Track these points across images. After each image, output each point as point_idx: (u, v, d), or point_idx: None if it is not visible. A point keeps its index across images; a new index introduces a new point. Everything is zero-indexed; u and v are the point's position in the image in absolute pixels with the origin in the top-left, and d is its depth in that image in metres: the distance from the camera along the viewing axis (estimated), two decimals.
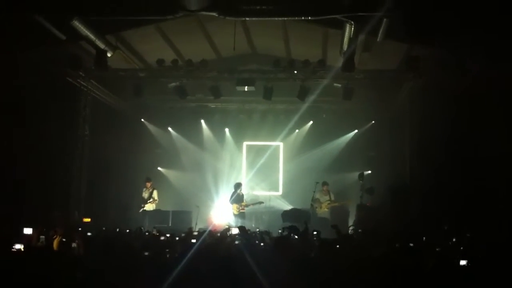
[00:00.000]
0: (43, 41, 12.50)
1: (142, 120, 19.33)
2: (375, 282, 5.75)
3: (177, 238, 10.86)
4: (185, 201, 18.04)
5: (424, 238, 10.15)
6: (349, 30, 11.73)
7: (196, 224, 15.80)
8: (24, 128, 13.28)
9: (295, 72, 15.01)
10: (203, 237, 9.97)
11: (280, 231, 12.17)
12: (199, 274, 5.75)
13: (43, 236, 8.95)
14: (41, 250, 5.62)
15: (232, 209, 16.33)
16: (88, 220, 14.68)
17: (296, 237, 9.51)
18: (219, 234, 10.25)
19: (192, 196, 18.20)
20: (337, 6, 11.02)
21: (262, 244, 9.42)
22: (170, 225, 16.01)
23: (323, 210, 16.19)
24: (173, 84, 15.74)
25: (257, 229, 12.96)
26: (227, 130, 19.77)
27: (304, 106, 17.80)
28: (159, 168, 19.43)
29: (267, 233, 11.08)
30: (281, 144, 19.82)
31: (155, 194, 16.92)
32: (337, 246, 7.98)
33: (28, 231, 9.18)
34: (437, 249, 8.39)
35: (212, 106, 18.73)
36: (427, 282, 5.85)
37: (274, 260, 6.23)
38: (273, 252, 6.82)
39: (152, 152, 19.53)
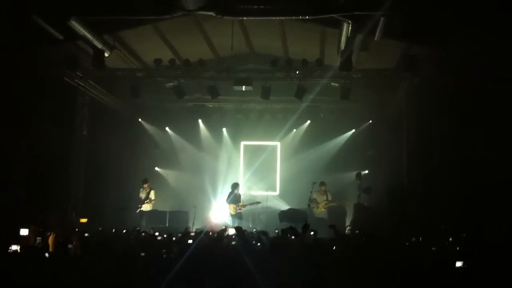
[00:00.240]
0: (41, 41, 12.49)
1: (140, 120, 19.31)
2: (372, 282, 5.75)
3: (174, 239, 10.86)
4: (182, 201, 18.01)
5: (420, 238, 10.16)
6: (346, 29, 11.73)
7: (193, 224, 15.79)
8: (22, 128, 13.28)
9: (293, 71, 15.00)
10: (199, 237, 9.97)
11: (276, 231, 12.17)
12: (196, 274, 5.74)
13: (40, 237, 8.95)
14: (37, 250, 5.59)
15: (229, 209, 16.32)
16: (85, 220, 14.70)
17: (293, 237, 9.50)
18: (215, 235, 10.22)
19: (189, 196, 18.19)
20: (334, 5, 11.01)
21: (259, 244, 9.41)
22: (167, 225, 16.00)
23: (321, 210, 16.18)
24: (171, 83, 15.72)
25: (254, 230, 12.95)
26: (224, 130, 19.75)
27: (302, 106, 17.82)
28: (156, 168, 19.40)
29: (264, 233, 11.04)
30: (278, 144, 19.81)
31: (152, 194, 16.91)
32: (334, 246, 7.98)
33: (24, 232, 9.18)
34: (433, 249, 8.39)
35: (210, 105, 18.71)
36: (424, 282, 5.85)
37: (271, 261, 6.22)
38: (270, 252, 6.80)
39: (149, 152, 19.49)
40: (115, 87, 16.92)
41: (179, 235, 11.19)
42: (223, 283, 5.65)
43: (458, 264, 6.57)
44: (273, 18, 12.53)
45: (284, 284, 5.70)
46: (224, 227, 11.86)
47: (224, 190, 18.36)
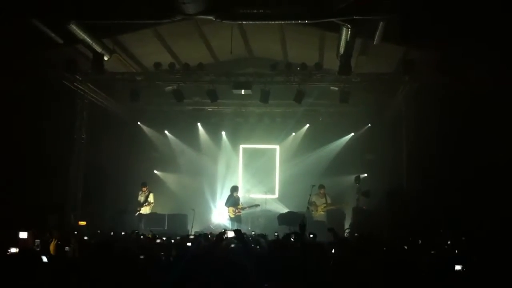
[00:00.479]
0: (40, 45, 12.52)
1: (139, 123, 19.33)
2: (371, 285, 5.76)
3: (172, 241, 10.87)
4: (181, 204, 18.02)
5: (420, 241, 10.17)
6: (345, 33, 11.75)
7: (192, 227, 15.81)
8: (21, 132, 13.28)
9: (292, 75, 15.01)
10: (198, 240, 9.98)
11: (276, 234, 12.18)
12: (194, 277, 5.75)
13: (38, 240, 8.96)
14: (34, 253, 5.60)
15: (228, 212, 16.34)
16: (83, 223, 14.70)
17: (292, 240, 9.51)
18: (214, 238, 10.23)
19: (188, 199, 18.20)
20: (333, 10, 11.04)
21: (258, 247, 9.41)
22: (165, 228, 16.02)
23: (320, 213, 16.21)
24: (170, 87, 15.75)
25: (253, 233, 12.95)
26: (223, 133, 19.78)
27: (301, 109, 17.88)
28: (155, 171, 19.42)
29: (263, 236, 11.06)
30: (277, 147, 19.84)
31: (151, 197, 16.93)
32: (332, 249, 7.99)
33: (23, 235, 9.19)
34: (432, 252, 8.41)
35: (209, 109, 18.71)
36: (423, 285, 5.85)
37: (270, 263, 6.23)
38: (269, 255, 6.82)
39: (148, 155, 19.50)
40: (115, 90, 16.93)
41: (178, 238, 11.21)
42: (222, 286, 5.65)
43: (457, 267, 6.58)
44: (273, 22, 12.55)
45: (283, 286, 5.71)
46: (223, 230, 11.86)
47: (223, 194, 18.40)
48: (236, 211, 16.23)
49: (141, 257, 6.97)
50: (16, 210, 12.34)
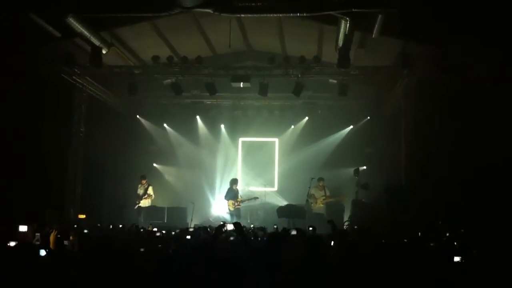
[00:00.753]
0: (38, 39, 12.49)
1: (138, 116, 19.32)
2: (370, 277, 5.77)
3: (173, 233, 10.89)
4: (181, 197, 18.07)
5: (419, 233, 10.20)
6: (344, 26, 11.73)
7: (191, 220, 15.84)
8: (19, 126, 13.27)
9: (291, 68, 15.01)
10: (198, 233, 10.00)
11: (275, 226, 12.20)
12: (194, 270, 5.76)
13: (38, 234, 8.96)
14: (31, 246, 5.59)
15: (228, 205, 16.35)
16: (83, 216, 14.71)
17: (293, 233, 9.53)
18: (214, 231, 10.25)
19: (187, 192, 18.25)
20: (332, 3, 11.01)
21: (259, 239, 9.44)
22: (165, 221, 16.06)
23: (319, 206, 16.25)
24: (169, 80, 15.73)
25: (252, 225, 12.98)
26: (222, 126, 19.78)
27: (300, 102, 17.89)
28: (154, 165, 19.43)
29: (262, 229, 11.08)
30: (276, 140, 19.86)
31: (150, 190, 16.95)
32: (332, 242, 8.01)
33: (23, 228, 9.19)
34: (431, 245, 8.43)
35: (208, 102, 18.72)
36: (422, 277, 5.87)
37: (269, 256, 6.24)
38: (268, 246, 6.83)
39: (147, 148, 19.51)
40: (113, 84, 16.92)
41: (177, 230, 11.23)
42: (221, 278, 5.67)
43: (456, 259, 6.60)
44: (271, 15, 12.53)
45: (282, 279, 5.73)
46: (222, 223, 11.88)
47: (222, 186, 18.43)
48: (236, 204, 16.25)
49: (141, 250, 6.98)
50: (15, 205, 12.34)
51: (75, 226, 11.96)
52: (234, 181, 16.72)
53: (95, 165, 16.72)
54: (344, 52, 13.05)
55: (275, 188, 19.37)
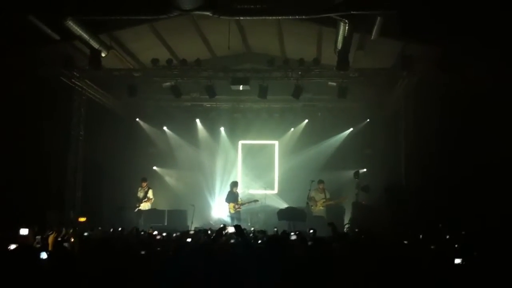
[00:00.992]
0: (37, 41, 12.48)
1: (137, 119, 19.31)
2: (371, 280, 5.76)
3: (174, 235, 10.88)
4: (181, 200, 18.08)
5: (420, 236, 10.18)
6: (343, 28, 11.73)
7: (191, 223, 15.84)
8: (19, 128, 13.26)
9: (290, 71, 15.01)
10: (198, 236, 9.99)
11: (275, 229, 12.19)
12: (194, 273, 5.76)
13: (39, 236, 8.95)
14: (31, 249, 5.58)
15: (229, 208, 16.34)
16: (83, 219, 14.69)
17: (294, 236, 9.52)
18: (214, 233, 10.24)
19: (187, 195, 18.26)
20: (331, 5, 11.02)
21: (259, 241, 9.43)
22: (165, 224, 16.04)
23: (319, 209, 16.23)
24: (168, 83, 15.72)
25: (253, 228, 12.97)
26: (222, 129, 19.76)
27: (299, 105, 17.90)
28: (154, 168, 19.42)
29: (262, 232, 11.07)
30: (276, 143, 19.85)
31: (150, 193, 16.93)
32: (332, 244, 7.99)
33: (24, 231, 9.19)
34: (432, 247, 8.42)
35: (207, 105, 18.72)
36: (423, 280, 5.86)
37: (270, 260, 6.23)
38: (268, 251, 6.82)
39: (147, 151, 19.51)
40: (112, 87, 16.92)
41: (178, 233, 11.22)
42: (222, 281, 5.66)
43: (457, 261, 6.58)
44: (270, 17, 12.53)
45: (282, 281, 5.72)
46: (222, 225, 11.87)
47: (222, 189, 18.44)
48: (236, 207, 16.24)
49: (142, 252, 6.98)
50: (15, 207, 12.32)
51: (76, 228, 11.94)
52: (234, 184, 16.72)
53: (95, 168, 16.71)
54: (343, 55, 13.05)
55: (275, 191, 19.36)
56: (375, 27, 11.39)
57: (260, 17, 12.19)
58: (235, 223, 14.49)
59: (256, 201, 17.07)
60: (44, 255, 6.45)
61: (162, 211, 16.77)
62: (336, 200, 16.54)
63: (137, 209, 16.64)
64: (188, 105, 18.69)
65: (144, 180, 17.11)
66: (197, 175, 19.19)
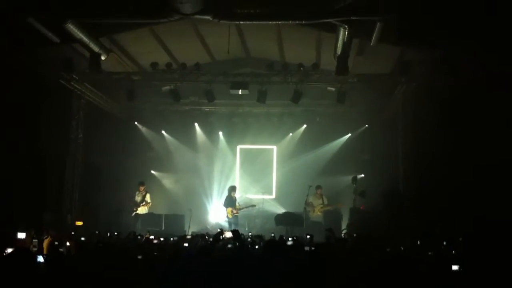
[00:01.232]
0: (37, 44, 12.49)
1: (136, 123, 19.29)
2: (368, 286, 5.75)
3: (171, 239, 10.86)
4: (178, 204, 18.06)
5: (418, 242, 10.17)
6: (343, 34, 11.75)
7: (189, 227, 15.81)
8: (17, 131, 13.24)
9: (289, 75, 15.01)
10: (195, 240, 9.97)
11: (272, 234, 12.18)
12: (191, 278, 5.74)
13: (36, 240, 8.94)
14: (28, 253, 5.56)
15: (227, 212, 16.32)
16: (80, 223, 14.67)
17: (290, 241, 9.51)
18: (211, 238, 10.23)
19: (185, 199, 18.25)
20: (330, 10, 11.03)
21: (256, 247, 9.42)
22: (163, 228, 16.00)
23: (316, 214, 16.22)
24: (167, 87, 15.72)
25: (250, 233, 12.96)
26: (220, 133, 19.75)
27: (298, 110, 17.90)
28: (152, 172, 19.40)
29: (259, 237, 11.06)
30: (274, 148, 19.83)
31: (148, 197, 16.88)
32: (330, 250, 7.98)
33: (21, 235, 9.17)
34: (429, 253, 8.41)
35: (206, 109, 18.70)
36: (420, 286, 5.85)
37: (267, 265, 6.22)
38: (264, 256, 6.80)
39: (145, 155, 19.49)
40: (111, 90, 16.92)
41: (175, 238, 11.20)
42: (219, 286, 5.65)
43: (455, 267, 6.58)
44: (270, 22, 12.54)
45: (280, 286, 5.70)
46: (220, 230, 11.85)
47: (219, 194, 18.43)
48: (234, 211, 16.21)
49: (139, 257, 6.96)
50: (12, 210, 12.29)
51: (73, 233, 11.93)
52: (232, 189, 16.70)
53: (93, 171, 16.69)
54: (342, 60, 13.08)
55: (273, 196, 19.32)
56: (375, 33, 11.41)
57: (260, 22, 12.21)
58: (233, 227, 14.50)
59: (253, 206, 17.06)
60: (41, 259, 6.44)
61: (160, 216, 16.72)
62: (333, 205, 16.54)
63: (134, 213, 16.59)
64: (186, 109, 18.67)
65: (142, 184, 17.07)
66: (195, 179, 19.17)
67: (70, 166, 15.80)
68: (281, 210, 17.18)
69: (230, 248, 8.50)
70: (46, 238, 8.63)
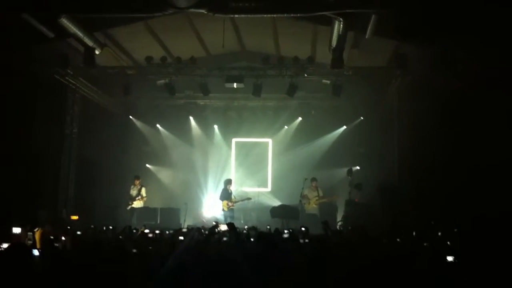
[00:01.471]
0: (31, 39, 12.43)
1: (130, 117, 19.25)
2: (364, 277, 5.78)
3: (167, 232, 10.86)
4: (174, 198, 18.07)
5: (414, 233, 10.21)
6: (338, 26, 11.74)
7: (184, 221, 15.82)
8: (12, 126, 13.20)
9: (284, 69, 15.00)
10: (191, 234, 9.98)
11: (268, 227, 12.20)
12: (187, 271, 5.76)
13: (30, 233, 8.94)
14: (23, 248, 5.56)
15: (222, 205, 16.33)
16: (76, 217, 14.66)
17: (286, 234, 9.52)
18: (207, 231, 10.24)
19: (180, 193, 18.26)
20: (325, 3, 11.01)
21: (252, 239, 9.44)
22: (158, 222, 16.02)
23: (312, 206, 16.26)
24: (162, 81, 15.71)
25: (246, 226, 12.98)
26: (216, 126, 19.74)
27: (293, 103, 17.91)
28: (147, 165, 19.39)
29: (254, 229, 11.07)
30: (270, 141, 19.84)
31: (143, 191, 16.88)
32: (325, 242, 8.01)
33: (17, 230, 9.17)
34: (425, 245, 8.44)
35: (201, 103, 18.69)
36: (416, 277, 5.88)
37: (262, 257, 6.24)
38: (258, 248, 6.83)
39: (140, 149, 19.49)
40: (106, 84, 16.87)
41: (171, 231, 11.21)
42: (214, 279, 5.66)
43: (449, 258, 6.61)
44: (265, 15, 12.52)
45: (274, 279, 5.72)
46: (215, 223, 11.88)
47: (215, 187, 18.44)
48: (230, 204, 16.22)
49: (134, 251, 6.97)
50: (7, 206, 12.27)
51: (68, 227, 11.91)
52: (228, 182, 16.70)
53: (88, 166, 16.65)
54: (338, 53, 13.07)
55: (269, 189, 19.36)
56: (370, 26, 11.40)
57: (255, 15, 12.18)
58: (228, 221, 14.50)
59: (249, 199, 17.07)
60: (36, 252, 6.45)
61: (155, 209, 16.73)
62: (329, 198, 16.58)
63: (129, 207, 16.60)
64: (181, 103, 18.67)
65: (137, 178, 17.07)
66: (190, 173, 19.18)
67: (65, 161, 15.78)
68: (276, 202, 17.20)
69: (225, 241, 8.51)
70: (37, 230, 8.63)
